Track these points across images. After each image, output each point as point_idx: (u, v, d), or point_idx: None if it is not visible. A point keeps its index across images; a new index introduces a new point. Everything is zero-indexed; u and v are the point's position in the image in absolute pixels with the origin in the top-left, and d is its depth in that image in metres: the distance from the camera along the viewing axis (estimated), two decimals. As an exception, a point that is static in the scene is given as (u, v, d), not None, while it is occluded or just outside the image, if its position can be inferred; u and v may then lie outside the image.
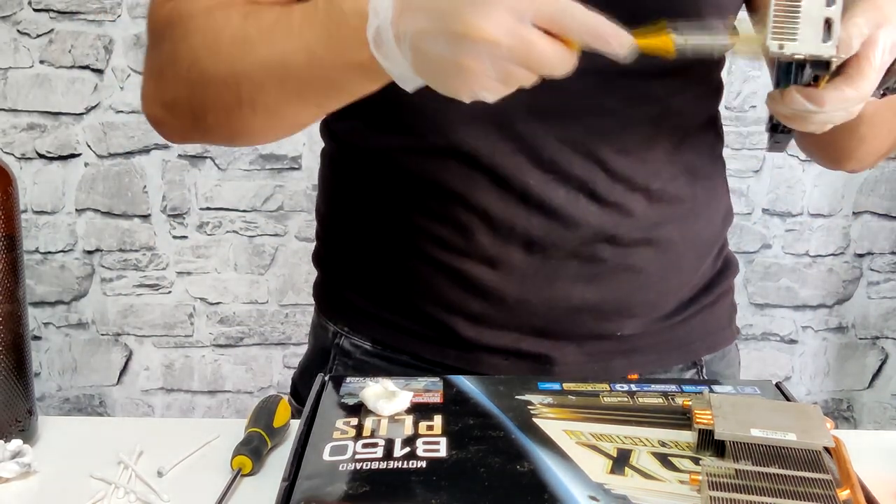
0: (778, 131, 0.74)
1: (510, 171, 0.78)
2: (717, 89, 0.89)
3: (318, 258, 0.94)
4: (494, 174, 0.79)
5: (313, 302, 0.95)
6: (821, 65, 0.64)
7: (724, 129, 0.92)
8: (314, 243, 0.95)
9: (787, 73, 0.65)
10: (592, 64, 0.75)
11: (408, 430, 0.65)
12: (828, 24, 0.62)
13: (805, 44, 0.63)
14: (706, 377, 0.90)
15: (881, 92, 0.69)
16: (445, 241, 0.82)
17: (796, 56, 0.63)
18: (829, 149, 0.89)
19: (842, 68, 0.64)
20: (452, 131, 0.79)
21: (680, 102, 0.82)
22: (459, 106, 0.66)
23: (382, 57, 0.62)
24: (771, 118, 0.74)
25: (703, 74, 0.86)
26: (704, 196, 0.87)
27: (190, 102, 0.75)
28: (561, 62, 0.59)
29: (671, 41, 0.63)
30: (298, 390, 0.94)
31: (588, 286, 0.81)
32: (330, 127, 0.90)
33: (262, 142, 0.80)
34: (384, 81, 0.65)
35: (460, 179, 0.80)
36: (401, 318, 0.86)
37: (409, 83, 0.64)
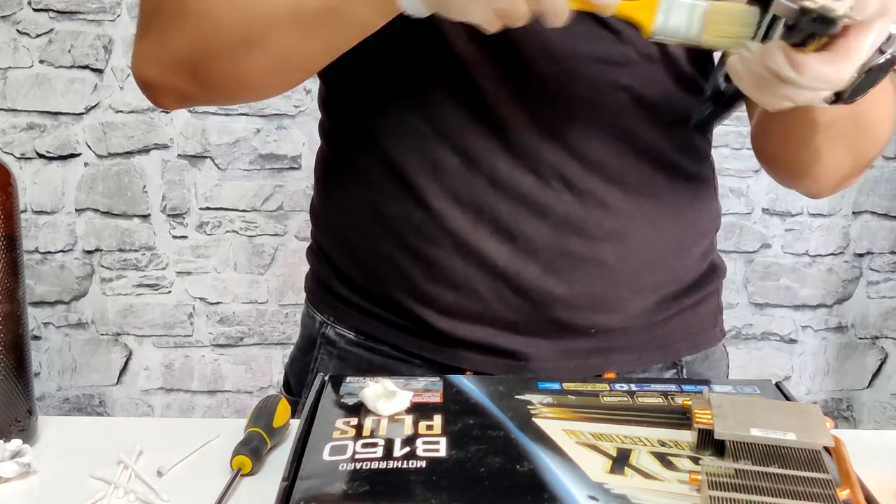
0: (721, 101, 0.70)
1: (479, 152, 0.79)
2: (696, 83, 0.86)
3: (310, 250, 0.95)
4: (465, 155, 0.79)
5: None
6: (825, 22, 0.58)
7: (723, 128, 0.92)
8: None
9: (779, 26, 0.60)
10: (569, 48, 0.76)
11: (407, 429, 0.65)
12: None
13: None
14: (686, 377, 0.90)
15: (848, 92, 0.64)
16: (419, 227, 0.82)
17: (806, 4, 0.57)
18: (783, 159, 0.86)
19: (826, 44, 0.60)
20: (426, 108, 0.79)
21: (654, 94, 0.81)
22: (435, 84, 0.69)
23: None
24: (718, 85, 0.70)
25: (678, 66, 0.84)
26: (687, 195, 0.86)
27: (192, 54, 0.74)
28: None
29: (654, 15, 0.62)
30: (289, 380, 0.96)
31: (558, 280, 0.81)
32: (327, 106, 0.91)
33: (263, 93, 0.80)
34: (393, 11, 0.67)
35: (432, 162, 0.80)
36: (380, 309, 0.86)
37: (416, 8, 0.65)
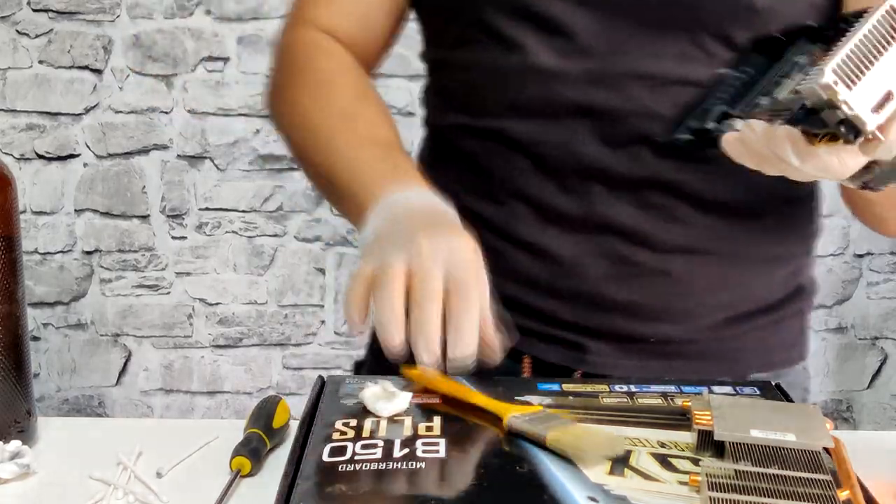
0: (703, 139, 0.68)
1: (552, 161, 0.80)
2: None
3: None
4: (538, 159, 0.81)
5: (312, 302, 0.96)
6: (850, 129, 0.55)
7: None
8: (314, 244, 0.96)
9: (808, 115, 0.57)
10: (644, 69, 0.76)
11: (407, 431, 0.65)
12: (887, 97, 0.55)
13: (856, 99, 0.54)
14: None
15: (861, 183, 0.62)
16: (490, 220, 0.83)
17: (844, 103, 0.54)
18: (860, 213, 0.86)
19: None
20: (501, 116, 0.82)
21: None
22: (508, 95, 0.76)
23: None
24: (704, 125, 0.69)
25: None
26: (776, 215, 0.84)
27: (282, 123, 0.90)
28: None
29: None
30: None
31: (620, 286, 0.81)
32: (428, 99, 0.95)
33: None
34: None
35: (504, 162, 0.82)
36: None
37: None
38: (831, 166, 0.59)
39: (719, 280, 0.82)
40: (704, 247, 0.81)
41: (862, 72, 0.54)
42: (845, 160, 0.58)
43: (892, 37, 0.55)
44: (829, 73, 0.54)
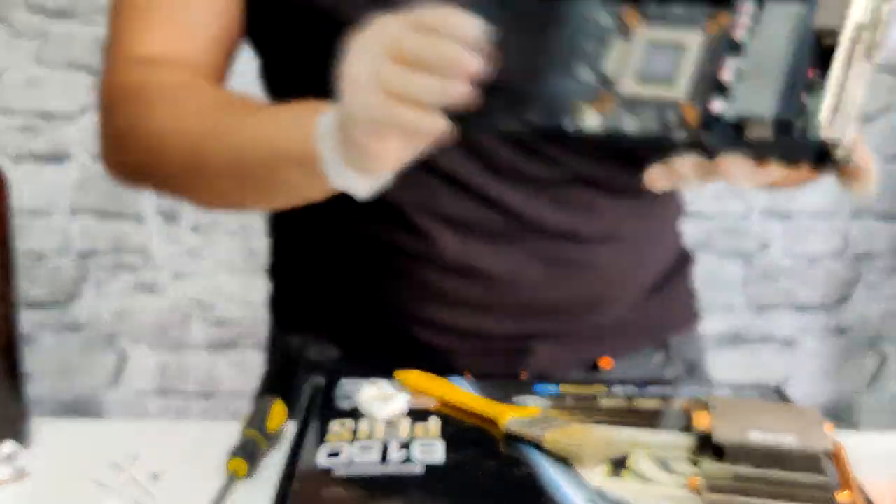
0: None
1: (466, 175, 0.78)
2: None
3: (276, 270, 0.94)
4: (453, 179, 0.78)
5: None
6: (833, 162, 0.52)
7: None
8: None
9: (781, 148, 0.52)
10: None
11: (404, 433, 0.65)
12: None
13: (847, 134, 0.51)
14: (673, 358, 0.92)
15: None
16: (405, 249, 0.81)
17: (842, 146, 0.51)
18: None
19: None
20: None
21: None
22: None
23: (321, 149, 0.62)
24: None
25: None
26: (664, 192, 0.87)
27: (149, 170, 0.79)
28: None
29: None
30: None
31: (554, 286, 0.82)
32: None
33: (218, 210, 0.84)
34: (328, 190, 0.65)
35: (419, 187, 0.78)
36: (369, 331, 0.86)
37: (339, 177, 0.63)
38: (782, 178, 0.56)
39: (635, 260, 0.86)
40: (621, 232, 0.84)
41: (842, 103, 0.51)
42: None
43: (854, 56, 0.51)
44: (828, 126, 0.51)
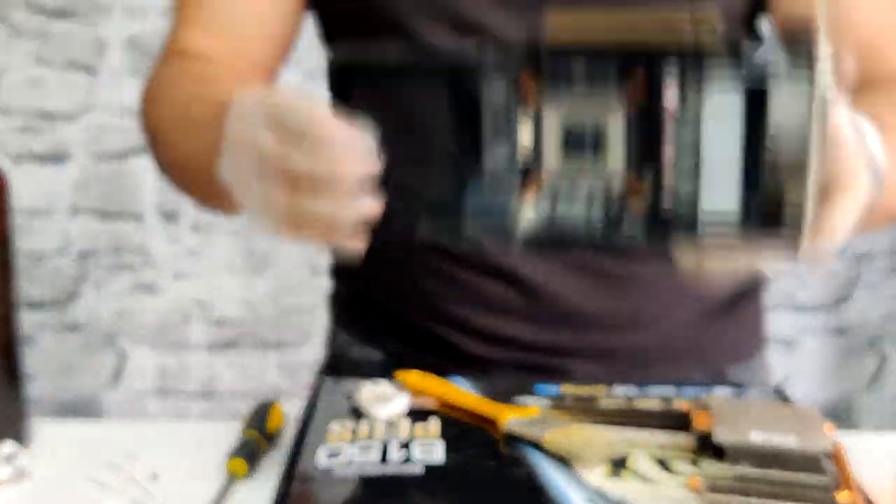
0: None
1: None
2: None
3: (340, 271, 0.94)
4: None
5: (308, 304, 0.95)
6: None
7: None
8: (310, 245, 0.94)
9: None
10: None
11: (404, 433, 0.65)
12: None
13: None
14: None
15: None
16: (451, 250, 0.81)
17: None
18: None
19: None
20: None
21: None
22: None
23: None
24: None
25: None
26: None
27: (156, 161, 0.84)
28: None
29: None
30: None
31: (595, 299, 0.81)
32: None
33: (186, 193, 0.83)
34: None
35: None
36: (408, 335, 0.85)
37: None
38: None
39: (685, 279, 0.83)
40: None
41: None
42: None
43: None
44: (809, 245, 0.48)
